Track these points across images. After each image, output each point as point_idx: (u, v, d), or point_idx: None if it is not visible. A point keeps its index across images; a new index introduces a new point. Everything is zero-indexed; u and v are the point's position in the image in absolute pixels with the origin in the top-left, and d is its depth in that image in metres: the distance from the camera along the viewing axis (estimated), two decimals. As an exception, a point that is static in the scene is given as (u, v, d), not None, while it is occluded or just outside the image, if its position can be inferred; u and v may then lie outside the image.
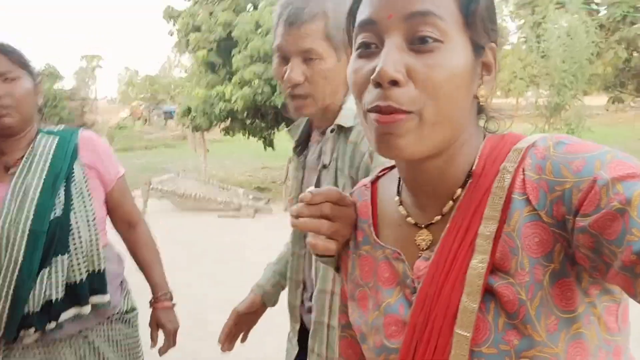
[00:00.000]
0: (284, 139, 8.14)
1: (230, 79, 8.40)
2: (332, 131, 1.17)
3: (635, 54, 8.55)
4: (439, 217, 0.66)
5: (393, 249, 0.70)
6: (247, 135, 10.12)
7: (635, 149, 11.60)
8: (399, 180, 0.74)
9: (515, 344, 0.56)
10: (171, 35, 9.11)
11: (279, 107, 8.46)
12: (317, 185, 1.19)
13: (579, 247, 0.53)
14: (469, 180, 0.64)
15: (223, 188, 9.06)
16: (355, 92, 0.62)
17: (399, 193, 0.73)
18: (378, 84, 0.58)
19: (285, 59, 1.10)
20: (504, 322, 0.57)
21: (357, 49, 0.62)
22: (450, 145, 0.63)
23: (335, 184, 1.16)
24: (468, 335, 0.58)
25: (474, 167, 0.64)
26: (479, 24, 0.60)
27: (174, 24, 9.05)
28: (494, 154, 0.64)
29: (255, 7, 8.47)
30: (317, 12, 1.06)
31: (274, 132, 9.05)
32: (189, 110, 8.74)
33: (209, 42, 8.57)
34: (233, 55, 8.24)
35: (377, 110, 0.58)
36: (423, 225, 0.68)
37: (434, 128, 0.59)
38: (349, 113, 1.15)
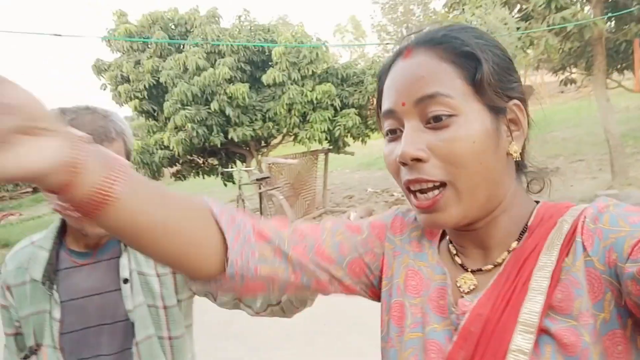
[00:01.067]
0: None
1: (167, 125, 8.25)
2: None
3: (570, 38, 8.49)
4: (490, 266, 0.67)
5: (450, 277, 0.70)
6: (201, 176, 9.95)
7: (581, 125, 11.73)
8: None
9: None
10: (104, 89, 8.95)
11: (220, 145, 8.33)
12: (116, 307, 1.18)
13: (630, 294, 0.52)
14: (525, 234, 0.66)
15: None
16: (392, 173, 0.69)
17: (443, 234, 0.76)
18: (404, 163, 0.64)
19: None
20: None
21: (386, 135, 0.68)
22: (494, 206, 0.66)
23: (150, 292, 1.19)
24: None
25: (529, 222, 0.66)
26: (488, 89, 0.63)
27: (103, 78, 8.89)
28: (550, 212, 0.66)
29: (180, 51, 8.33)
30: (118, 131, 1.12)
31: (231, 167, 8.87)
32: (133, 162, 8.52)
33: (139, 91, 8.42)
34: (164, 102, 8.10)
35: (409, 182, 0.64)
36: (469, 269, 0.69)
37: (471, 193, 0.63)
38: None
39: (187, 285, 1.23)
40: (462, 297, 0.67)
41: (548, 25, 8.04)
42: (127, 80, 8.57)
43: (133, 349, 1.19)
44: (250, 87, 8.24)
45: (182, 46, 8.48)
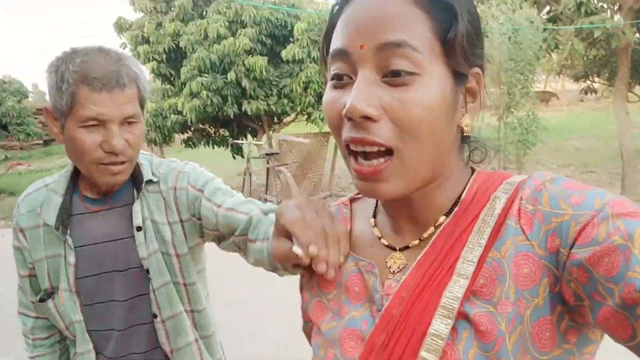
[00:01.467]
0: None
1: (182, 91, 8.24)
2: (139, 190, 1.19)
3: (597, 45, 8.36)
4: (416, 242, 0.64)
5: (368, 261, 0.67)
6: (211, 145, 9.95)
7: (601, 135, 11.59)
8: (377, 203, 0.72)
9: None
10: (124, 48, 8.92)
11: (232, 116, 8.30)
12: (129, 254, 1.18)
13: (570, 281, 0.51)
14: (455, 208, 0.62)
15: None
16: (331, 125, 0.61)
17: (374, 215, 0.71)
18: (349, 118, 0.56)
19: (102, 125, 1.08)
20: (474, 353, 0.54)
21: (332, 79, 0.60)
22: (434, 179, 0.61)
23: (162, 240, 1.19)
24: None
25: (463, 196, 0.63)
26: (459, 51, 0.56)
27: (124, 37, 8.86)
28: (485, 185, 0.62)
29: (202, 17, 8.27)
30: (131, 77, 1.08)
31: (241, 140, 8.86)
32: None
33: (158, 53, 8.38)
34: (182, 67, 8.07)
35: (352, 141, 0.57)
36: (397, 248, 0.66)
37: (417, 168, 0.58)
38: (148, 168, 1.22)
39: (196, 232, 1.24)
40: (389, 278, 0.65)
41: (576, 29, 7.92)
42: (147, 42, 8.53)
43: (151, 295, 1.20)
44: (269, 61, 8.17)
45: (203, 13, 8.41)
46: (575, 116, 17.48)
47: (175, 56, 8.46)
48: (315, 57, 8.03)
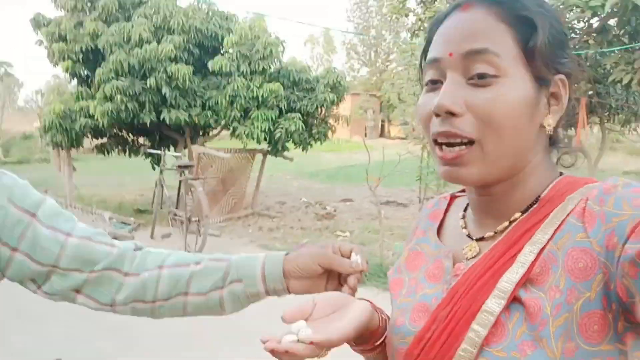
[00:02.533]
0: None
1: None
2: None
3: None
4: (491, 234, 0.70)
5: (447, 248, 0.76)
6: (128, 154, 9.39)
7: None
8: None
9: (527, 353, 0.58)
10: (39, 45, 8.31)
11: (149, 124, 7.86)
12: None
13: (622, 277, 0.53)
14: (534, 206, 0.68)
15: (89, 212, 8.24)
16: (422, 124, 0.70)
17: (465, 209, 0.80)
18: (438, 115, 0.64)
19: None
20: (522, 332, 0.60)
21: (426, 84, 0.69)
22: (515, 173, 0.67)
23: None
24: (483, 332, 0.61)
25: (543, 195, 0.68)
26: (539, 58, 0.63)
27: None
28: (566, 187, 0.67)
29: (128, 20, 7.85)
30: None
31: (163, 151, 8.38)
32: (50, 126, 7.90)
33: (74, 52, 7.84)
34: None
35: (438, 135, 0.65)
36: (474, 238, 0.73)
37: (496, 158, 0.64)
38: None
39: None
40: (462, 262, 0.72)
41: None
42: (64, 40, 7.98)
43: None
44: (195, 72, 7.84)
45: (129, 16, 7.99)
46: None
47: (94, 57, 7.97)
48: (245, 72, 7.78)
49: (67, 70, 8.11)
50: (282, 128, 7.99)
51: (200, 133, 9.27)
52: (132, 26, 7.51)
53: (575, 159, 0.75)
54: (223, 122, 8.04)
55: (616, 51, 5.37)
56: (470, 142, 0.64)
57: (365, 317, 0.74)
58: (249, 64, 7.82)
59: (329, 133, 9.04)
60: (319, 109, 8.68)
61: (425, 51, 0.72)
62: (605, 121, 6.99)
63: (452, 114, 0.63)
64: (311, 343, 0.65)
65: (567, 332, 0.57)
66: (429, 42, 0.72)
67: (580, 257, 0.58)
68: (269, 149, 8.67)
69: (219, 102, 7.76)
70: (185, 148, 8.69)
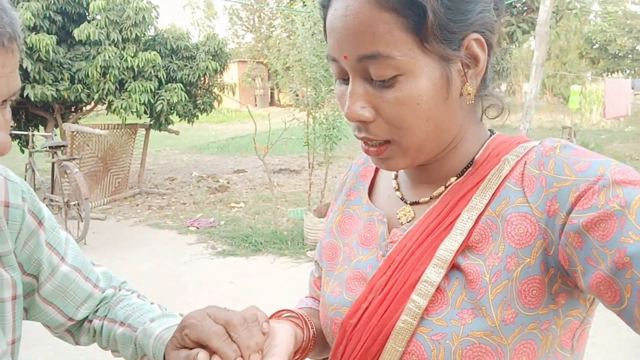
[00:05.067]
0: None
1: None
2: None
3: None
4: (426, 199, 0.70)
5: (380, 211, 0.75)
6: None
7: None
8: None
9: (467, 322, 0.58)
10: None
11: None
12: None
13: (566, 245, 0.54)
14: (468, 169, 0.67)
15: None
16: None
17: (397, 171, 0.77)
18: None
19: None
20: (462, 300, 0.60)
21: (336, 77, 0.67)
22: (445, 147, 0.67)
23: None
24: (423, 303, 0.61)
25: (477, 157, 0.67)
26: (436, 39, 0.58)
27: None
28: (499, 148, 0.66)
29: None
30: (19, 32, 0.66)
31: (32, 132, 7.53)
32: None
33: None
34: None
35: (358, 138, 0.65)
36: (408, 202, 0.72)
37: (417, 148, 0.64)
38: None
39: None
40: (397, 227, 0.71)
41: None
42: None
43: None
44: (59, 42, 7.08)
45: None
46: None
47: None
48: (115, 40, 7.20)
49: None
50: (163, 100, 7.57)
51: (72, 109, 8.49)
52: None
53: (501, 111, 0.71)
54: (96, 96, 7.41)
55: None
56: (387, 142, 0.64)
57: (292, 342, 0.71)
58: (120, 32, 7.24)
59: (215, 103, 8.75)
60: (202, 78, 8.34)
61: (326, 33, 0.66)
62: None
63: (364, 122, 0.62)
64: None
65: (507, 299, 0.57)
66: (324, 19, 0.66)
67: (520, 222, 0.58)
68: (151, 123, 8.21)
69: (90, 74, 7.12)
70: (56, 127, 7.92)
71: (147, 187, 8.69)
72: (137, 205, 7.69)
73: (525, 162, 0.61)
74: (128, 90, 7.36)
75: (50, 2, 7.07)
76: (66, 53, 7.29)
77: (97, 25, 7.06)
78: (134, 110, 7.35)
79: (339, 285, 0.74)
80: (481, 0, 0.61)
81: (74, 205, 5.71)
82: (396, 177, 0.77)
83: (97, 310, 0.96)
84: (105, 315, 0.94)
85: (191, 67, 8.08)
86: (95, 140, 7.32)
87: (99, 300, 0.96)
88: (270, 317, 0.79)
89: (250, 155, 11.28)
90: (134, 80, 7.41)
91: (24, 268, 0.86)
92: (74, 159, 6.14)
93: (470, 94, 0.63)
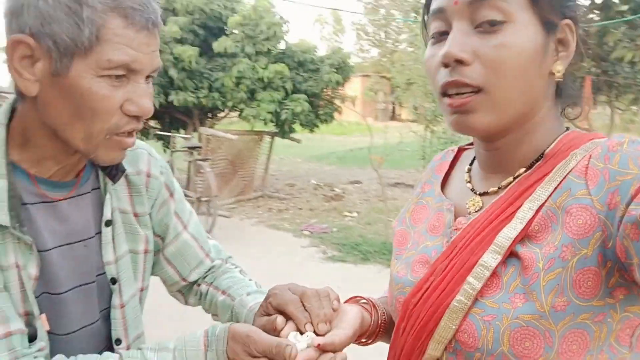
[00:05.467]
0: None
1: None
2: (120, 171, 0.91)
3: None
4: (494, 189, 0.71)
5: (449, 201, 0.78)
6: (140, 137, 9.47)
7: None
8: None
9: (517, 305, 0.60)
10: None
11: (159, 107, 7.92)
12: (95, 259, 0.90)
13: (623, 237, 0.53)
14: (539, 161, 0.68)
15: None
16: (430, 78, 0.69)
17: (471, 163, 0.80)
18: (446, 65, 0.64)
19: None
20: (516, 286, 0.61)
21: (432, 37, 0.69)
22: (523, 123, 0.68)
23: (132, 235, 0.95)
24: (477, 285, 0.64)
25: (547, 150, 0.67)
26: (545, 1, 0.63)
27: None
28: (571, 143, 0.66)
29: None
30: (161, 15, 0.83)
31: (174, 134, 8.46)
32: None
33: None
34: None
35: (446, 85, 0.65)
36: (478, 193, 0.74)
37: (505, 105, 0.64)
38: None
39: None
40: (464, 216, 0.73)
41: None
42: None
43: (115, 313, 0.92)
44: (201, 54, 7.86)
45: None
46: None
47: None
48: (250, 53, 7.79)
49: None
50: (288, 109, 8.02)
51: (209, 115, 9.32)
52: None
53: (580, 112, 0.73)
54: (230, 104, 8.08)
55: (619, 27, 5.28)
56: (479, 90, 0.64)
57: (359, 322, 0.81)
58: (254, 45, 7.82)
59: (336, 114, 9.04)
60: (325, 90, 8.67)
61: (427, 5, 0.71)
62: (613, 100, 6.89)
63: (460, 62, 0.63)
64: (318, 346, 0.73)
65: (560, 286, 0.58)
66: None
67: (580, 214, 0.59)
68: (277, 130, 8.71)
69: (225, 83, 7.79)
70: (194, 130, 8.76)
71: (269, 191, 9.20)
72: (259, 207, 8.17)
73: (591, 156, 0.62)
74: (258, 99, 7.91)
75: (195, 16, 7.87)
76: (206, 64, 8.05)
77: (233, 38, 7.70)
78: (262, 118, 7.87)
79: (405, 267, 0.77)
80: None
81: (205, 201, 6.25)
82: (469, 170, 0.79)
83: (205, 277, 1.11)
84: (211, 283, 1.08)
85: (315, 79, 8.46)
86: (227, 144, 7.95)
87: (208, 267, 1.10)
88: (346, 301, 0.89)
89: (367, 167, 11.39)
90: (264, 90, 7.95)
91: (155, 230, 1.02)
92: (207, 159, 6.72)
93: (559, 71, 0.65)
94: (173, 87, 7.72)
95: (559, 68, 0.65)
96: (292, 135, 8.96)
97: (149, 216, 0.99)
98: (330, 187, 9.80)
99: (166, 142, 8.91)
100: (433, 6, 0.68)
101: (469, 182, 0.77)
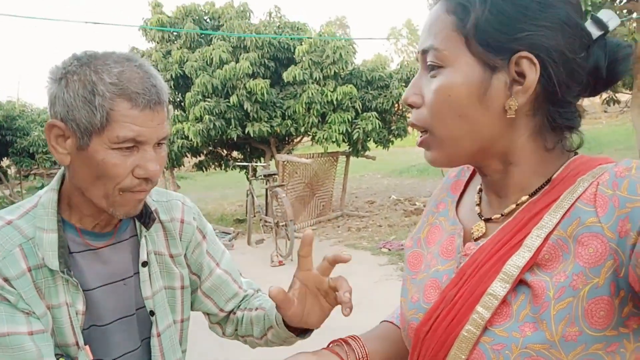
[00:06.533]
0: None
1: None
2: (152, 220, 1.08)
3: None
4: (498, 216, 0.72)
5: (461, 225, 0.77)
6: (223, 168, 10.06)
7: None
8: None
9: (526, 334, 0.59)
10: (136, 76, 9.20)
11: (236, 139, 8.38)
12: (134, 295, 1.06)
13: (636, 266, 0.52)
14: (544, 187, 0.67)
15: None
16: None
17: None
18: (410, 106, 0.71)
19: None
20: (525, 314, 0.60)
21: None
22: (495, 158, 0.69)
23: (167, 273, 1.12)
24: (486, 314, 0.63)
25: (554, 176, 0.67)
26: (480, 42, 0.63)
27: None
28: (579, 168, 0.65)
29: (209, 44, 8.46)
30: (165, 93, 0.97)
31: (255, 162, 8.94)
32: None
33: (166, 80, 8.56)
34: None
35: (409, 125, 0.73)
36: (483, 218, 0.74)
37: (450, 143, 0.67)
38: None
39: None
40: (472, 241, 0.73)
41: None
42: (156, 69, 8.76)
43: (153, 341, 1.09)
44: (272, 84, 8.23)
45: (211, 40, 8.60)
46: (613, 128, 16.70)
47: (183, 82, 8.67)
48: (317, 78, 8.03)
49: (160, 98, 8.91)
50: (359, 128, 8.13)
51: (284, 142, 9.67)
52: (213, 49, 8.09)
53: (580, 141, 0.70)
54: (302, 129, 8.36)
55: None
56: (426, 130, 0.69)
57: None
58: (321, 70, 8.05)
59: (409, 128, 8.99)
60: (395, 105, 8.67)
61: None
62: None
63: (411, 105, 0.70)
64: None
65: (571, 316, 0.57)
66: None
67: (591, 242, 0.57)
68: (350, 150, 8.84)
69: (297, 110, 8.09)
70: (272, 158, 9.14)
71: (349, 210, 9.31)
72: (339, 227, 8.30)
73: (599, 182, 0.60)
74: (328, 122, 8.11)
75: (265, 51, 8.27)
76: (278, 93, 8.41)
77: (301, 67, 7.99)
78: (334, 139, 8.04)
79: (417, 292, 0.77)
80: (536, 21, 0.61)
81: (283, 225, 6.49)
82: (480, 191, 0.79)
83: (239, 305, 1.25)
84: (245, 307, 1.22)
85: (385, 96, 8.50)
86: (302, 168, 8.21)
87: (242, 297, 1.25)
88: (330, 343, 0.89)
89: (449, 177, 11.13)
90: (334, 112, 8.14)
91: (191, 268, 1.18)
92: (281, 185, 6.99)
93: (510, 108, 0.64)
94: (248, 119, 8.15)
95: (511, 104, 0.63)
96: (367, 153, 9.03)
97: (185, 257, 1.15)
98: (411, 201, 9.71)
99: (248, 171, 9.39)
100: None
101: (478, 204, 0.78)
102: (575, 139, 0.69)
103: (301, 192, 8.37)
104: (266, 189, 7.41)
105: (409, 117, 0.73)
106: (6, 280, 0.91)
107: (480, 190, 0.79)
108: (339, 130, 7.98)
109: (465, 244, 0.74)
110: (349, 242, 7.20)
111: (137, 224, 1.08)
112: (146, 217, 1.07)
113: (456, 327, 0.66)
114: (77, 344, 0.98)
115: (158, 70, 8.58)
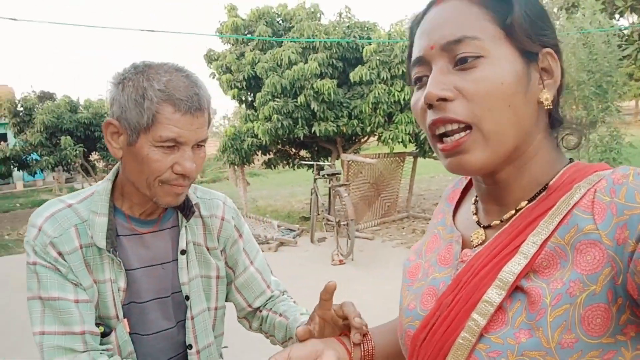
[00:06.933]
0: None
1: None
2: (191, 212, 1.19)
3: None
4: (497, 222, 0.71)
5: (458, 233, 0.78)
6: (291, 166, 10.29)
7: None
8: None
9: (521, 340, 0.59)
10: (213, 78, 9.66)
11: (302, 138, 8.54)
12: (171, 279, 1.19)
13: (634, 274, 0.52)
14: (542, 193, 0.67)
15: (260, 221, 9.26)
16: (419, 122, 0.70)
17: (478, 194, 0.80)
18: (430, 106, 0.65)
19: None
20: (521, 321, 0.60)
21: (415, 83, 0.71)
22: (518, 155, 0.67)
23: (204, 263, 1.23)
24: (482, 321, 0.63)
25: (551, 182, 0.67)
26: (520, 33, 0.63)
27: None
28: (575, 175, 0.66)
29: (280, 45, 8.68)
30: (208, 101, 1.08)
31: (322, 161, 9.09)
32: (224, 147, 9.15)
33: (238, 81, 8.92)
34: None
35: (433, 124, 0.65)
36: (482, 225, 0.74)
37: (497, 138, 0.63)
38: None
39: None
40: (469, 249, 0.73)
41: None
42: (230, 71, 9.14)
43: (187, 324, 1.20)
44: (339, 84, 8.29)
45: (282, 41, 8.82)
46: None
47: (255, 83, 8.95)
48: (385, 78, 8.00)
49: (234, 98, 9.25)
50: (427, 129, 7.97)
51: (351, 142, 9.71)
52: (283, 51, 8.29)
53: (580, 140, 0.72)
54: (369, 129, 8.35)
55: None
56: (468, 127, 0.63)
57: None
58: (389, 70, 8.01)
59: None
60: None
61: (409, 55, 0.73)
62: None
63: (443, 99, 0.63)
64: None
65: (567, 323, 0.57)
66: (411, 45, 0.72)
67: (588, 249, 0.57)
68: (417, 150, 8.72)
69: (363, 110, 8.10)
70: (338, 157, 9.22)
71: (415, 212, 9.18)
72: (403, 229, 8.21)
73: (596, 189, 0.60)
74: (395, 122, 8.05)
75: (333, 51, 8.36)
76: (345, 93, 8.46)
77: (369, 66, 7.99)
78: (400, 140, 7.97)
79: (414, 299, 0.78)
80: (550, 22, 0.67)
81: (344, 225, 6.54)
82: (476, 201, 0.79)
83: (266, 304, 1.34)
84: (271, 308, 1.32)
85: (455, 96, 8.27)
86: (367, 168, 8.21)
87: (269, 296, 1.35)
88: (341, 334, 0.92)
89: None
90: (401, 113, 8.06)
91: (228, 262, 1.29)
92: (343, 185, 7.05)
93: (547, 99, 0.65)
94: (315, 118, 8.27)
95: (546, 96, 0.65)
96: (434, 154, 8.85)
97: (223, 251, 1.27)
98: (480, 205, 9.38)
99: (314, 170, 9.54)
100: (414, 56, 0.69)
101: (475, 213, 0.77)
102: (573, 139, 0.71)
103: (366, 192, 8.37)
104: (329, 188, 7.50)
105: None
106: (60, 254, 1.06)
107: (476, 200, 0.79)
108: (405, 131, 7.90)
109: (462, 251, 0.74)
110: (411, 244, 7.10)
111: (179, 215, 1.20)
112: (187, 209, 1.19)
113: (452, 335, 0.66)
114: (117, 317, 1.12)
115: (231, 72, 9.01)
